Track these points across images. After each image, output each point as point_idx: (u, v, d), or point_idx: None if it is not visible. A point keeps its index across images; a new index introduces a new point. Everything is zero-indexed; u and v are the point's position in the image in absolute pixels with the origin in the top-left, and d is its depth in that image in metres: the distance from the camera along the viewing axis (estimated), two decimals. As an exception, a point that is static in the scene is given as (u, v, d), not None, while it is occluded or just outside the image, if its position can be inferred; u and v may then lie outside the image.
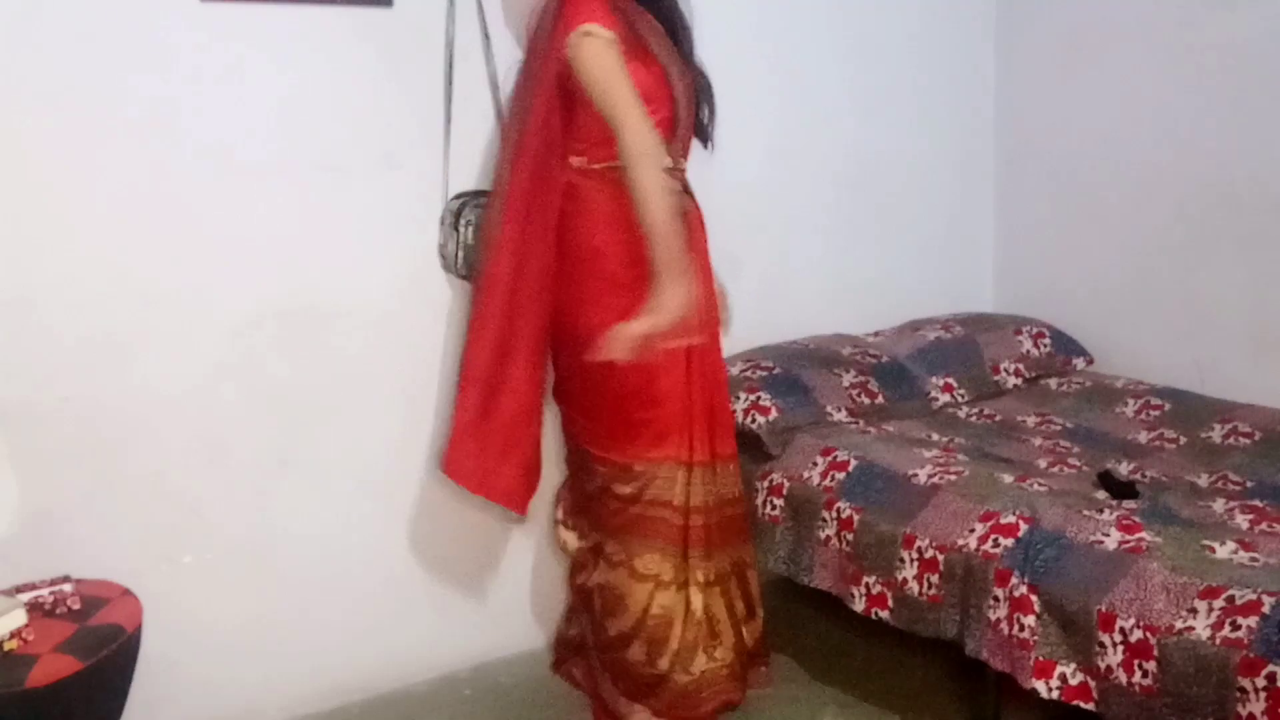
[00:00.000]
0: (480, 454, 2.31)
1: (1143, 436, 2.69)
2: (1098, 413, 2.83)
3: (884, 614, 2.33)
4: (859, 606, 2.37)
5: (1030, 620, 2.05)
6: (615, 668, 2.35)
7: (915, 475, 2.39)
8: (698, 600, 2.31)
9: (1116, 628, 1.93)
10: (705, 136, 2.38)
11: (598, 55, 2.12)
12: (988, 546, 2.15)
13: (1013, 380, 3.05)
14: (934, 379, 2.95)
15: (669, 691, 2.30)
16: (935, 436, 2.69)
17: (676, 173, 2.26)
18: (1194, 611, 1.86)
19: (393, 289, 2.48)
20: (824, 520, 2.46)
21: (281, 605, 2.44)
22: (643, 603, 2.29)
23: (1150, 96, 3.02)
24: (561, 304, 2.28)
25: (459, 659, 2.68)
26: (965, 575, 2.17)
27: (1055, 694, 2.02)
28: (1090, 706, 1.98)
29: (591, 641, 2.43)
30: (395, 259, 2.48)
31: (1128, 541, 2.04)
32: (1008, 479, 2.33)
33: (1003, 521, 2.18)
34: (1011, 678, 2.10)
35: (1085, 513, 2.15)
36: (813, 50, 3.07)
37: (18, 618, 1.85)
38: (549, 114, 2.21)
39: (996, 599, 2.10)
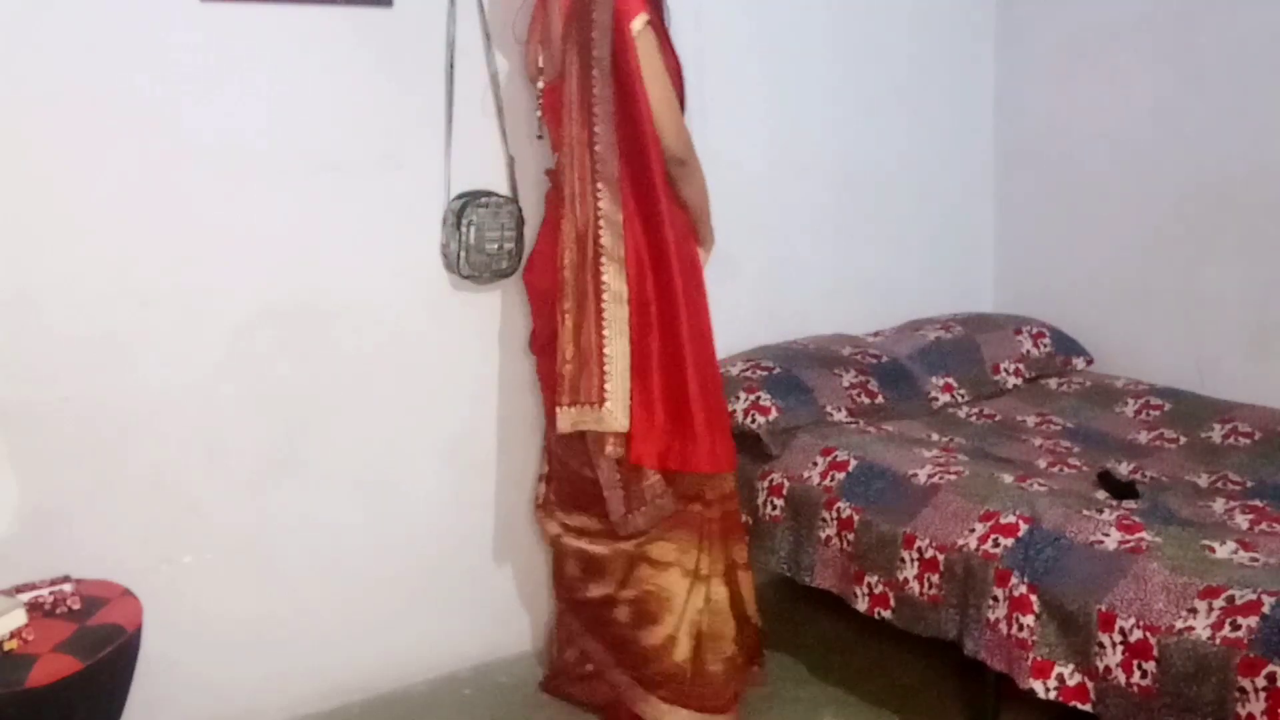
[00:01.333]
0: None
1: (1143, 436, 2.69)
2: (1098, 413, 2.83)
3: (886, 614, 2.33)
4: (862, 606, 2.37)
5: (1029, 620, 2.05)
6: (656, 679, 2.35)
7: (915, 475, 2.39)
8: (717, 591, 2.37)
9: (1116, 628, 1.93)
10: None
11: (652, 47, 2.18)
12: (988, 546, 2.15)
13: (1013, 380, 3.05)
14: (934, 379, 2.95)
15: (706, 682, 2.34)
16: (935, 436, 2.69)
17: None
18: (1194, 611, 1.86)
19: (394, 289, 2.48)
20: (824, 520, 2.46)
21: (281, 605, 2.44)
22: (684, 598, 2.34)
23: (1150, 96, 3.02)
24: None
25: (459, 659, 2.68)
26: (965, 575, 2.17)
27: (1053, 694, 2.01)
28: (1087, 707, 1.98)
29: (614, 660, 2.41)
30: (396, 259, 2.48)
31: (1128, 541, 2.04)
32: (1008, 479, 2.33)
33: (1003, 521, 2.18)
34: (1010, 677, 2.10)
35: (1085, 513, 2.14)
36: (812, 50, 3.07)
37: (18, 618, 1.85)
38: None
39: (996, 599, 2.10)
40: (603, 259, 2.25)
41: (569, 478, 2.43)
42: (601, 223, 2.24)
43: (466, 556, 2.67)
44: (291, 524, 2.43)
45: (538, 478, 2.60)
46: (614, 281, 2.25)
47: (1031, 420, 2.84)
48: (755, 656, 2.51)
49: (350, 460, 2.48)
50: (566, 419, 2.29)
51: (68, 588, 2.00)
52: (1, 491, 2.12)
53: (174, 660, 2.26)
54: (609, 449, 2.30)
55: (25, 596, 1.95)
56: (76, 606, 1.97)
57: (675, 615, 2.34)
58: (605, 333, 2.26)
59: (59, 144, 2.11)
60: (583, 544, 2.43)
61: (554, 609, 2.62)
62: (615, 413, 2.25)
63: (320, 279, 2.40)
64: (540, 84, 2.35)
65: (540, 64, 2.34)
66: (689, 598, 2.35)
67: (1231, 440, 2.57)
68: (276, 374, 2.38)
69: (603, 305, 2.25)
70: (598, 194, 2.24)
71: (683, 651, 2.34)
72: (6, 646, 1.81)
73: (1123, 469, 2.48)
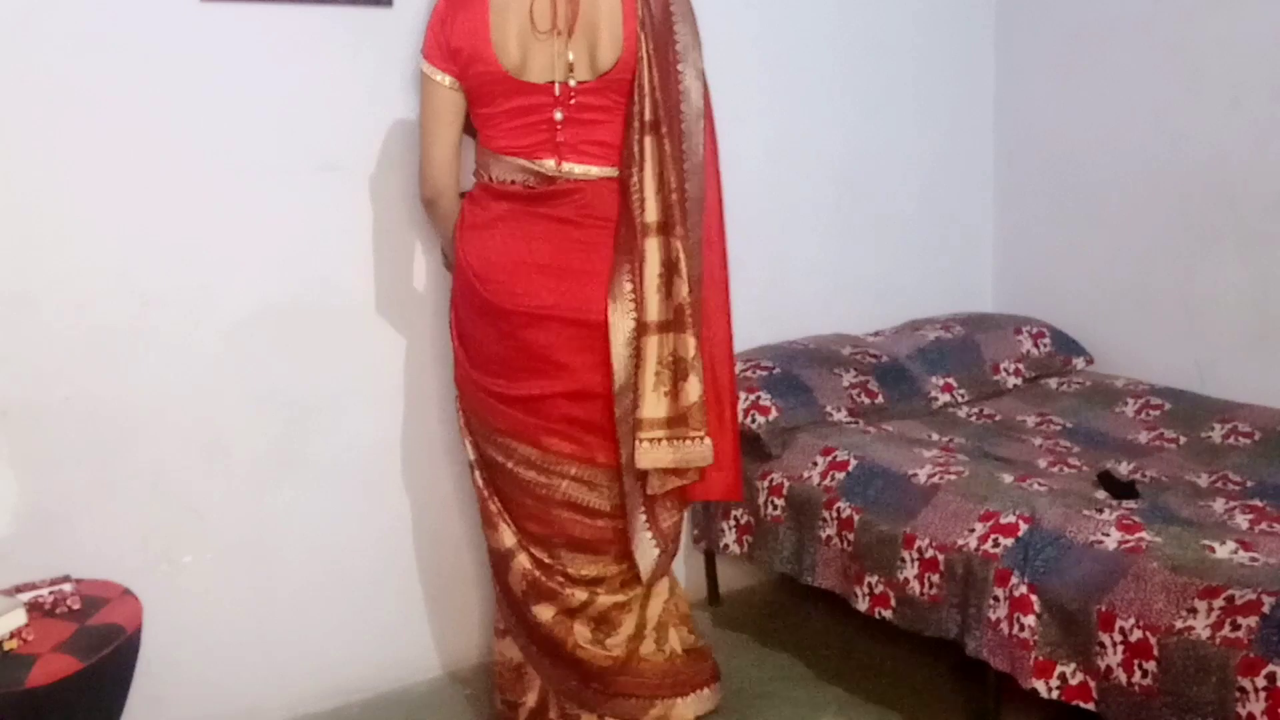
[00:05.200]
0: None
1: (1143, 436, 2.69)
2: (1098, 413, 2.83)
3: (887, 614, 2.33)
4: (862, 606, 2.37)
5: (1030, 620, 2.05)
6: (630, 683, 2.23)
7: (915, 475, 2.39)
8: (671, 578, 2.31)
9: (1116, 627, 1.93)
10: None
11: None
12: (988, 546, 2.15)
13: (1013, 380, 3.05)
14: (934, 379, 2.95)
15: (684, 666, 2.27)
16: (935, 436, 2.69)
17: None
18: (1194, 611, 1.86)
19: (393, 289, 2.49)
20: (824, 520, 2.47)
21: (281, 605, 2.44)
22: (642, 600, 2.24)
23: (1150, 97, 3.02)
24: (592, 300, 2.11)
25: (459, 659, 2.69)
26: (965, 575, 2.17)
27: (1055, 694, 2.02)
28: (1090, 706, 1.98)
29: (583, 676, 2.24)
30: (396, 259, 2.48)
31: (1128, 541, 2.04)
32: (1008, 479, 2.33)
33: (1003, 521, 2.18)
34: (1012, 677, 2.10)
35: (1085, 513, 2.15)
36: (812, 50, 3.07)
37: (18, 618, 1.85)
38: None
39: (996, 599, 2.10)
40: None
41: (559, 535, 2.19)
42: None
43: (467, 556, 2.67)
44: (291, 524, 2.43)
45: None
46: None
47: (1031, 420, 2.84)
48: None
49: (350, 459, 2.48)
50: (665, 455, 2.03)
51: (68, 588, 2.00)
52: (1, 491, 2.12)
53: (174, 660, 2.26)
54: (656, 483, 2.09)
55: (25, 596, 1.95)
56: (76, 606, 1.97)
57: (637, 616, 2.22)
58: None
59: (59, 144, 2.11)
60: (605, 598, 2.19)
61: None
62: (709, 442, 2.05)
63: (320, 279, 2.40)
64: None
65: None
66: (649, 600, 2.24)
67: (1231, 440, 2.57)
68: (276, 374, 2.38)
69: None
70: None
71: (648, 646, 2.23)
72: (6, 646, 1.81)
73: (1123, 469, 2.48)
